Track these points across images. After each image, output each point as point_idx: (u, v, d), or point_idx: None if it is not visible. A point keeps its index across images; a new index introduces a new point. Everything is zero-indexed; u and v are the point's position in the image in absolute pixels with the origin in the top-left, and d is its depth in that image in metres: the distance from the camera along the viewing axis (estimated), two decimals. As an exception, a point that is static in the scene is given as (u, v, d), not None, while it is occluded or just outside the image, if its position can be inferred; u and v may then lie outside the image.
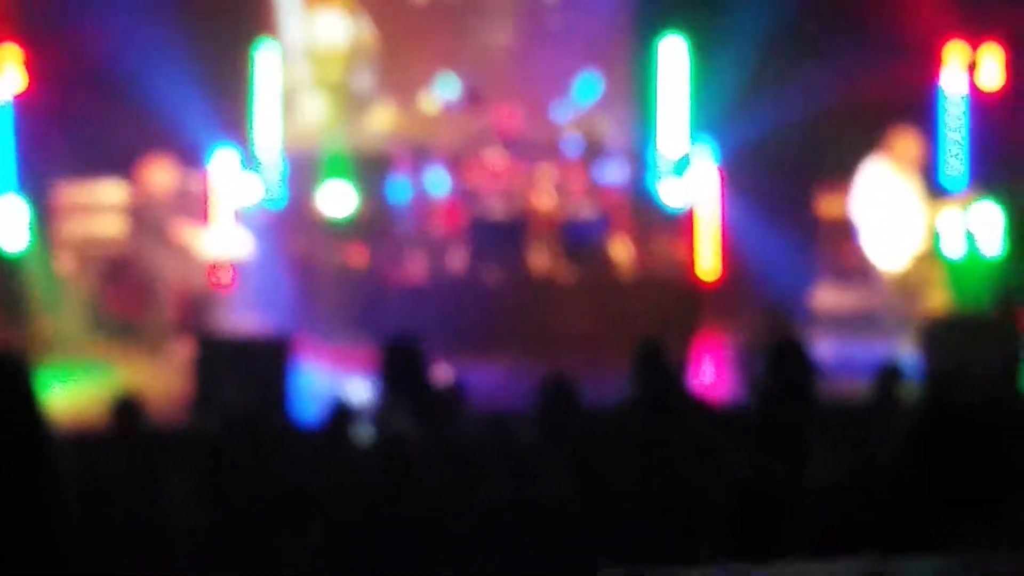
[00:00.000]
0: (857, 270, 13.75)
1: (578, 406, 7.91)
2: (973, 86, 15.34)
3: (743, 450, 7.43)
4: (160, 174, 13.41)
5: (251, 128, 15.17)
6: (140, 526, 6.14)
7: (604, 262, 13.97)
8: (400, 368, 8.57)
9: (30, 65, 14.21)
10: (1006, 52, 15.05)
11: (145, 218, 13.36)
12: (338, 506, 6.59)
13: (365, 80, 15.74)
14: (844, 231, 13.82)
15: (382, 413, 8.14)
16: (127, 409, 8.34)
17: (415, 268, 13.92)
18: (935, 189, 13.74)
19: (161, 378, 11.49)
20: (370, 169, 15.01)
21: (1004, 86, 15.17)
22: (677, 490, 6.57)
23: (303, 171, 14.87)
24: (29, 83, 14.24)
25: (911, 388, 9.14)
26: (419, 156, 14.39)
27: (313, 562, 6.06)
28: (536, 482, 6.65)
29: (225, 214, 14.38)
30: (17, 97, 14.22)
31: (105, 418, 8.33)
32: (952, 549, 3.77)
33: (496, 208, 14.01)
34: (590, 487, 6.39)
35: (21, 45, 14.17)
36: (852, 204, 13.22)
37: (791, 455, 7.02)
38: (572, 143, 14.58)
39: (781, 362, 8.32)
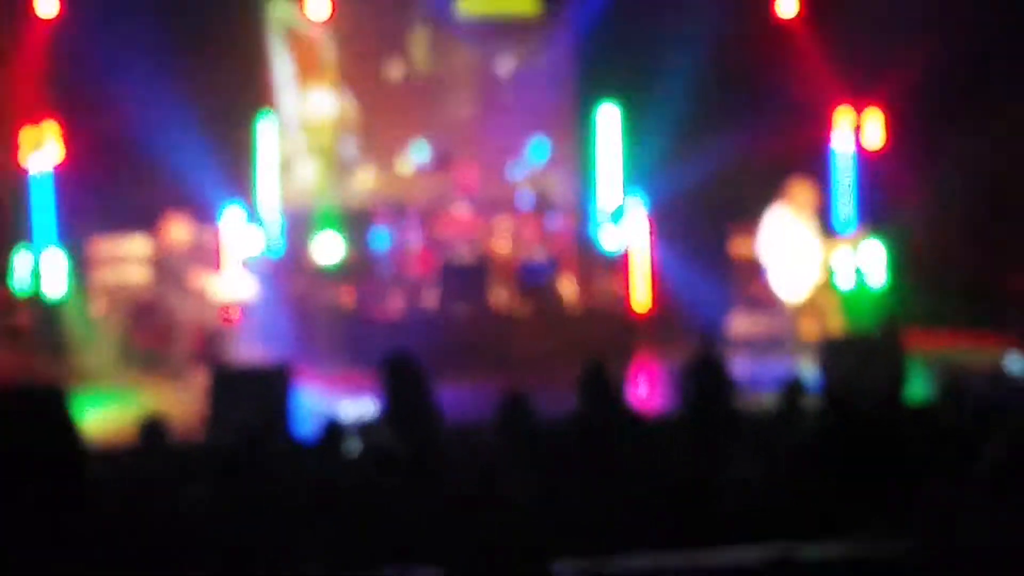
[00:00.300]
0: (764, 300, 13.77)
1: (532, 418, 7.92)
2: (859, 144, 15.43)
3: (674, 451, 7.45)
4: (178, 229, 13.38)
5: (255, 188, 15.17)
6: (163, 527, 6.12)
7: (553, 297, 13.96)
8: (397, 380, 8.57)
9: (67, 138, 14.18)
10: (885, 115, 15.15)
11: (165, 266, 13.33)
12: (331, 508, 6.59)
13: (350, 147, 15.70)
14: (753, 268, 13.85)
15: (367, 427, 8.13)
16: (153, 428, 8.34)
17: (395, 305, 13.89)
18: (829, 231, 13.81)
19: (181, 401, 11.43)
20: (355, 223, 14.99)
21: (885, 144, 15.27)
22: (618, 487, 6.57)
23: (299, 225, 14.86)
24: (66, 153, 14.21)
25: (812, 399, 9.18)
26: (396, 211, 14.38)
27: (312, 557, 6.05)
28: (496, 482, 6.65)
29: (233, 262, 14.33)
30: (56, 166, 14.19)
31: (134, 435, 8.33)
32: (850, 535, 3.77)
33: (462, 254, 14.01)
34: (543, 486, 6.39)
35: (59, 121, 14.15)
36: (759, 245, 13.27)
37: (713, 455, 7.04)
38: (525, 197, 14.60)
39: (702, 377, 8.36)
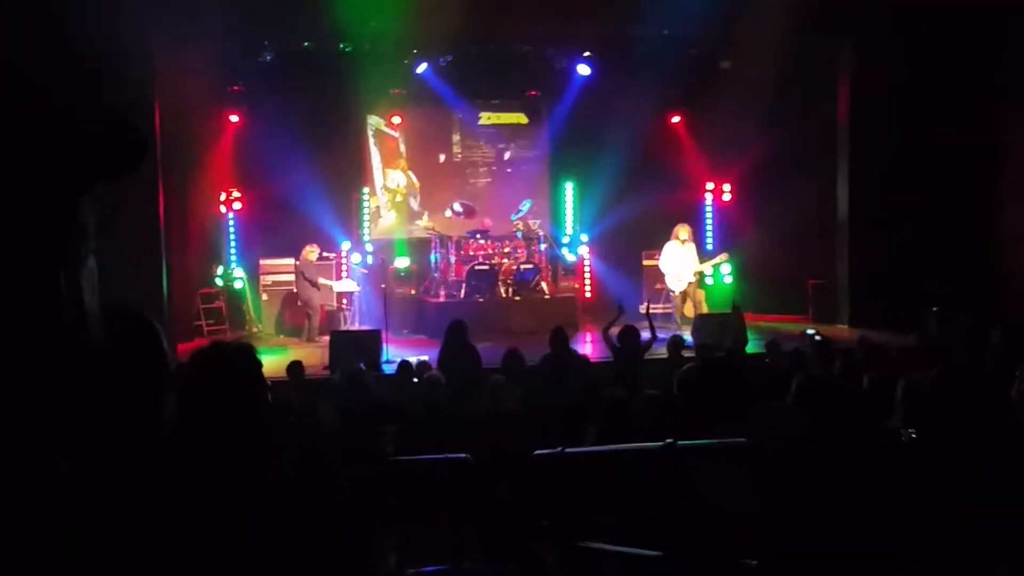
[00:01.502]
0: (662, 292, 13.77)
1: (522, 362, 7.94)
2: (717, 201, 15.44)
3: (607, 380, 7.44)
4: (311, 252, 13.35)
5: (361, 226, 15.17)
6: (305, 429, 6.09)
7: (537, 291, 13.93)
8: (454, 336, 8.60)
9: (244, 197, 14.19)
10: (732, 184, 15.17)
11: (304, 274, 13.29)
12: (404, 415, 6.57)
13: (414, 203, 15.70)
14: (655, 274, 13.84)
15: (424, 368, 8.11)
16: (296, 369, 8.31)
17: (440, 295, 13.87)
18: (701, 252, 13.79)
19: (313, 355, 11.41)
20: (418, 247, 15.01)
21: (732, 200, 15.27)
22: (572, 399, 6.55)
23: (384, 249, 14.81)
24: (244, 206, 14.21)
25: (688, 351, 9.18)
26: (442, 241, 14.34)
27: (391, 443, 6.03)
28: (504, 402, 6.61)
29: (345, 271, 14.35)
30: (238, 213, 14.20)
31: (285, 374, 8.32)
32: (708, 432, 3.68)
33: (481, 264, 13.95)
34: (529, 402, 6.37)
35: (240, 186, 14.17)
36: (660, 261, 13.23)
37: (630, 384, 7.01)
38: (519, 233, 14.55)
39: (626, 337, 8.34)
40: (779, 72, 12.95)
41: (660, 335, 9.38)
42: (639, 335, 8.38)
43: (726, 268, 14.42)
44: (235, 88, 13.93)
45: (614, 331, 8.54)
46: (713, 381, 4.49)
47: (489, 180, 16.08)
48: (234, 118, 14.04)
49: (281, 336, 13.74)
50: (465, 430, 6.05)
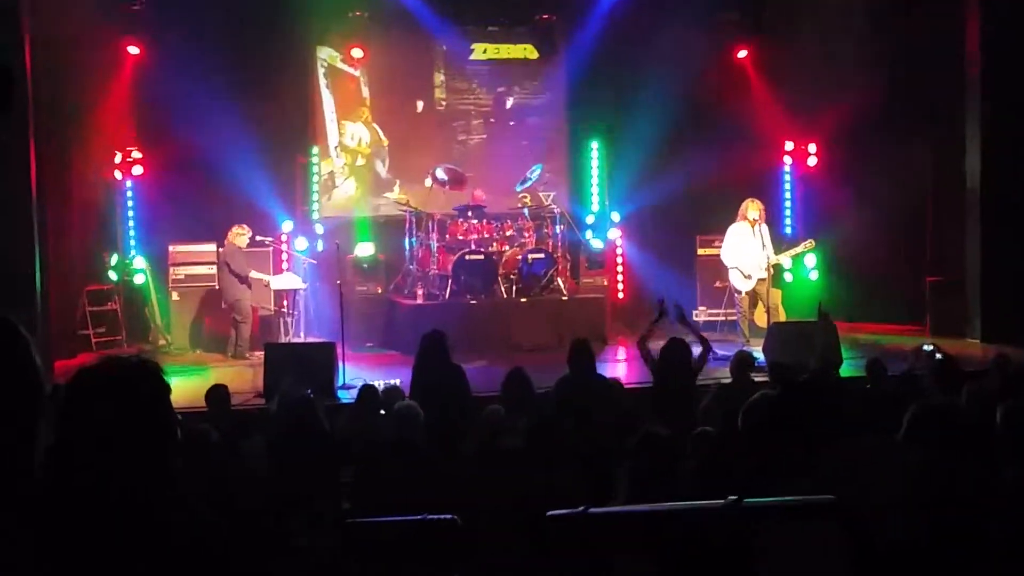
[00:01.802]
0: (722, 293, 13.79)
1: (530, 389, 7.94)
2: (800, 167, 15.47)
3: (646, 412, 7.43)
4: (240, 236, 13.35)
5: (311, 201, 15.22)
6: (225, 475, 6.09)
7: (550, 290, 13.93)
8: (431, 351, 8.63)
9: (147, 159, 14.24)
10: (819, 145, 15.18)
11: (230, 265, 13.29)
12: (365, 455, 6.57)
13: (381, 168, 15.74)
14: (714, 267, 13.87)
15: (394, 394, 8.12)
16: (218, 396, 8.30)
17: (416, 294, 13.88)
18: (779, 238, 13.80)
19: (241, 375, 11.42)
20: (385, 229, 15.06)
21: (820, 167, 15.28)
22: (598, 439, 6.55)
23: (340, 231, 14.80)
24: (147, 171, 14.26)
25: (758, 372, 9.18)
26: (419, 221, 14.34)
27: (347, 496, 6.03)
28: (503, 441, 6.61)
29: (287, 261, 14.37)
30: (139, 182, 14.25)
31: (203, 402, 8.31)
32: (788, 484, 3.70)
33: (473, 254, 13.92)
34: (538, 442, 6.35)
35: (141, 144, 14.22)
36: (721, 251, 13.22)
37: (677, 417, 7.01)
38: (526, 210, 14.52)
39: (671, 352, 8.34)
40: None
41: (720, 351, 9.38)
42: (689, 350, 8.39)
43: (812, 259, 14.41)
44: (133, 6, 13.95)
45: (655, 344, 8.53)
46: (792, 414, 4.49)
47: (484, 137, 16.09)
48: (133, 49, 14.05)
49: (198, 351, 13.77)
50: (450, 480, 6.04)
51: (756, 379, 8.77)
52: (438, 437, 6.92)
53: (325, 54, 15.46)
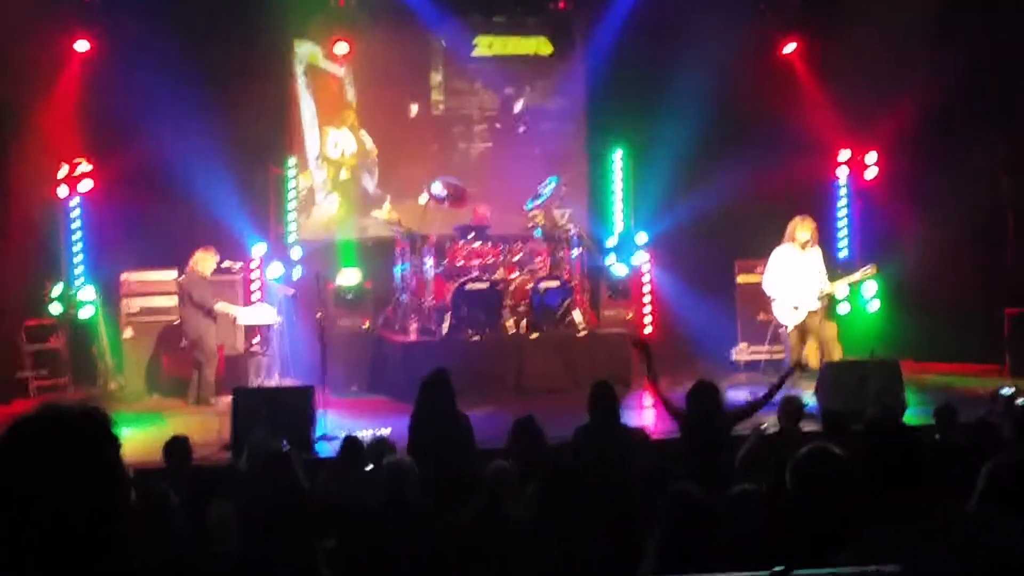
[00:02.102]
0: (767, 328, 13.75)
1: (542, 440, 7.91)
2: (858, 181, 15.47)
3: (676, 468, 7.39)
4: (205, 261, 13.34)
5: (285, 221, 15.25)
6: (186, 548, 6.07)
7: (566, 324, 13.92)
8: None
9: (98, 172, 14.25)
10: (880, 153, 15.19)
11: (192, 296, 13.28)
12: (349, 519, 6.54)
13: (369, 182, 15.78)
14: (757, 298, 13.83)
15: (382, 447, 8.10)
16: (178, 449, 8.29)
17: (410, 329, 13.87)
18: (833, 263, 13.80)
19: (205, 425, 11.41)
20: (374, 253, 15.09)
21: (882, 181, 15.28)
22: (622, 500, 6.51)
23: (320, 255, 14.83)
24: (97, 187, 14.26)
25: (810, 420, 9.15)
26: (413, 243, 14.34)
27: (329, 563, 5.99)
28: (509, 502, 6.58)
29: (257, 292, 14.38)
30: (88, 199, 14.28)
31: (160, 456, 8.29)
32: (847, 554, 3.68)
33: (476, 282, 13.93)
34: (551, 504, 6.32)
35: (91, 156, 14.23)
36: (764, 278, 13.19)
37: (710, 474, 6.98)
38: (538, 231, 14.52)
39: (699, 398, 8.31)
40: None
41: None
42: (719, 393, 8.35)
43: (871, 288, 14.39)
44: (85, -6, 14.06)
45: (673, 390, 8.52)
46: (850, 469, 4.47)
47: (490, 145, 16.15)
48: (82, 45, 14.10)
49: (155, 396, 13.76)
50: (447, 548, 6.02)
51: (806, 429, 8.75)
52: (438, 498, 6.89)
53: (304, 50, 15.54)
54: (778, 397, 9.40)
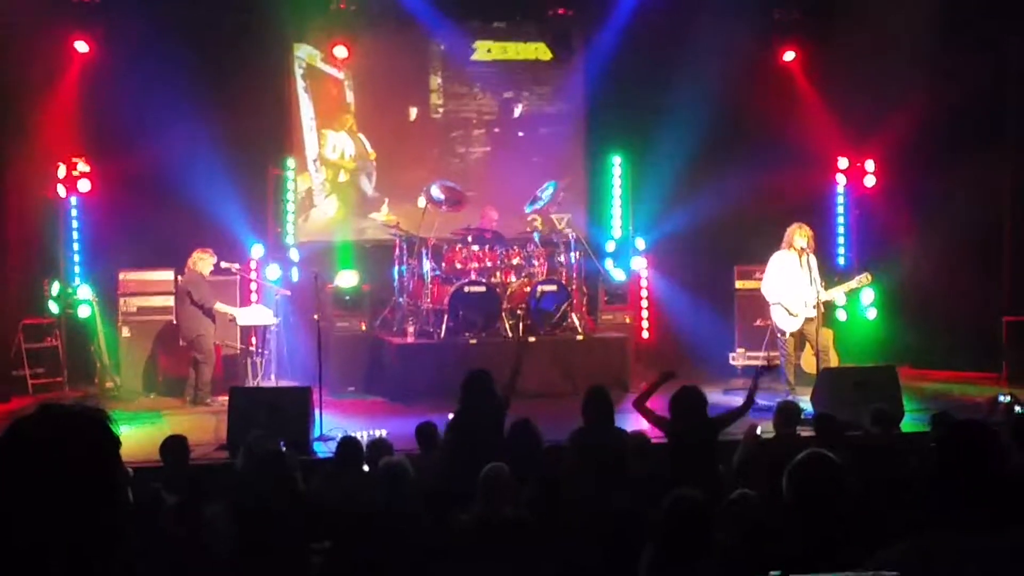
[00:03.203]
0: (764, 333, 13.75)
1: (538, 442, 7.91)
2: (855, 189, 15.48)
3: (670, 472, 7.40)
4: (202, 262, 13.32)
5: (284, 222, 15.26)
6: (186, 548, 6.06)
7: (564, 328, 13.92)
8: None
9: (96, 173, 14.24)
10: (877, 161, 15.20)
11: (190, 297, 13.27)
12: (346, 521, 6.53)
13: (367, 185, 15.79)
14: (755, 304, 13.84)
15: (378, 447, 8.10)
16: (175, 449, 8.29)
17: (407, 331, 13.87)
18: (830, 269, 13.81)
19: (202, 425, 11.41)
20: (372, 255, 15.11)
21: (879, 189, 15.29)
22: (619, 504, 6.50)
23: (318, 257, 14.85)
24: (95, 188, 14.24)
25: (805, 425, 9.14)
26: (411, 246, 14.34)
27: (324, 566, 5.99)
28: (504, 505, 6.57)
29: (255, 293, 14.38)
30: (86, 199, 14.26)
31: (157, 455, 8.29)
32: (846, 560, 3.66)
33: (474, 285, 13.94)
34: (545, 507, 6.31)
35: (89, 157, 14.22)
36: (762, 284, 13.18)
37: (700, 479, 6.96)
38: (536, 235, 14.52)
39: (683, 401, 8.28)
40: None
41: (761, 400, 9.34)
42: (704, 398, 8.31)
43: (869, 295, 14.40)
44: (85, -3, 14.05)
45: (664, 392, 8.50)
46: (846, 476, 4.46)
47: (488, 150, 16.15)
48: (82, 46, 14.11)
49: (152, 395, 13.74)
50: (443, 555, 6.01)
51: (803, 433, 8.75)
52: (455, 495, 6.90)
53: (304, 53, 15.53)
54: (773, 402, 9.41)
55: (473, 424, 8.43)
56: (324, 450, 9.97)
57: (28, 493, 2.18)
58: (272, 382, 13.43)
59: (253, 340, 13.90)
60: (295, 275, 14.76)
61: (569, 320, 13.95)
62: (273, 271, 14.47)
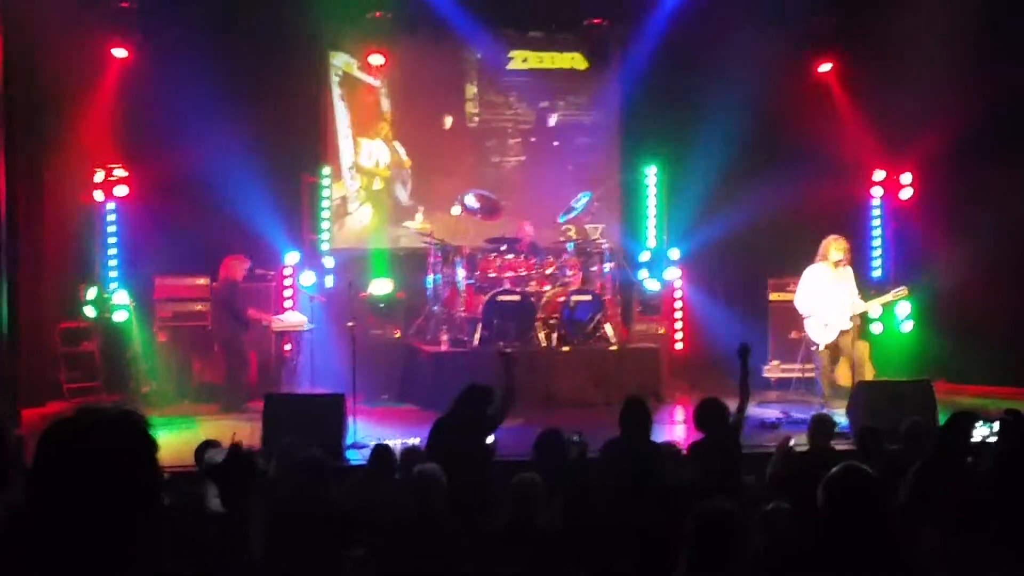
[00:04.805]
0: (799, 346, 13.69)
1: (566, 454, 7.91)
2: (892, 200, 15.40)
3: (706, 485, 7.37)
4: (237, 268, 13.40)
5: (319, 229, 15.30)
6: (221, 551, 6.09)
7: (597, 338, 13.90)
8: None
9: (133, 179, 14.30)
10: (915, 174, 15.12)
11: (225, 303, 13.34)
12: (379, 529, 6.54)
13: (402, 193, 15.83)
14: (789, 316, 13.77)
15: (411, 454, 8.10)
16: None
17: (441, 340, 13.87)
18: (866, 282, 13.75)
19: (237, 429, 11.43)
20: (406, 263, 15.14)
21: (916, 201, 15.20)
22: (651, 515, 6.49)
23: (353, 264, 14.89)
24: (133, 193, 14.31)
25: (841, 439, 9.10)
26: (445, 255, 14.36)
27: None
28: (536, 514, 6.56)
29: (290, 299, 14.42)
30: (123, 205, 14.33)
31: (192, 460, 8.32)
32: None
33: (508, 294, 13.93)
34: (576, 517, 6.31)
35: (126, 163, 14.28)
36: (796, 296, 13.13)
37: (728, 490, 6.93)
38: (571, 245, 14.51)
39: (704, 412, 8.27)
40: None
41: (795, 413, 9.32)
42: (726, 409, 8.30)
43: (905, 308, 14.31)
44: (123, 3, 14.12)
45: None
46: (882, 490, 4.44)
47: (523, 159, 16.16)
48: (119, 52, 14.18)
49: (187, 401, 13.79)
50: (474, 559, 6.01)
51: (839, 448, 8.70)
52: (465, 508, 6.89)
53: (340, 61, 15.60)
54: (807, 415, 9.35)
55: (452, 430, 8.43)
56: (357, 457, 9.98)
57: (67, 494, 2.20)
58: (306, 389, 13.45)
59: (287, 346, 13.96)
60: (329, 282, 14.79)
61: (602, 330, 13.94)
62: (307, 278, 14.51)
